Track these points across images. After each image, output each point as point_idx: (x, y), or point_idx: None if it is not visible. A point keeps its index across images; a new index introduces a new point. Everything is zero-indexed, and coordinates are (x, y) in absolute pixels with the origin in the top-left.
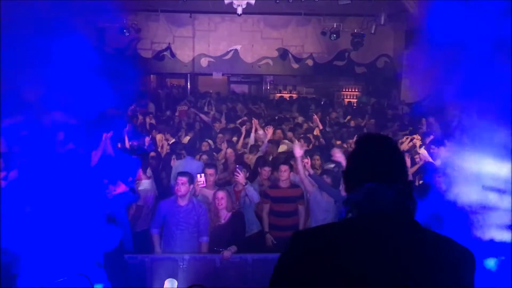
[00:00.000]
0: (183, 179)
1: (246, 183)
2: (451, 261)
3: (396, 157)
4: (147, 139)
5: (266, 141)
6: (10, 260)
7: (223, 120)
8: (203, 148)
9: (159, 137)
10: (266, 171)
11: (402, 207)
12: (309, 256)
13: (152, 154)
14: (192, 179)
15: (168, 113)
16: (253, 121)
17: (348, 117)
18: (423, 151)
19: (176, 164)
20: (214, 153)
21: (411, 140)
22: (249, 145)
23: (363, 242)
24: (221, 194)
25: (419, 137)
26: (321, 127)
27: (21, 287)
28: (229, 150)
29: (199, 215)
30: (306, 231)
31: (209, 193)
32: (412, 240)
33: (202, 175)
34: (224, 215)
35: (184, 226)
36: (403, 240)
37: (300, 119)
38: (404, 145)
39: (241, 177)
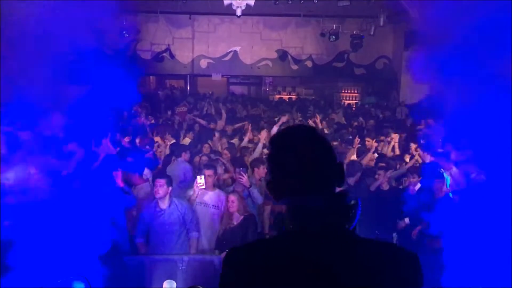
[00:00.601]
0: (161, 181)
1: (250, 186)
2: (392, 267)
3: (323, 157)
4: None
5: (260, 144)
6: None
7: (223, 122)
8: (204, 150)
9: (157, 138)
10: (259, 171)
11: (334, 218)
12: (242, 274)
13: (149, 155)
14: (170, 181)
15: (167, 114)
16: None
17: (342, 118)
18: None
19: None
20: (217, 155)
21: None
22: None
23: (294, 260)
24: (232, 197)
25: (396, 136)
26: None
27: (20, 287)
28: (225, 151)
29: (183, 214)
30: (238, 249)
31: (209, 194)
32: (347, 253)
33: (202, 177)
34: (237, 218)
35: (171, 228)
36: (336, 254)
37: (299, 121)
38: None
39: (245, 179)
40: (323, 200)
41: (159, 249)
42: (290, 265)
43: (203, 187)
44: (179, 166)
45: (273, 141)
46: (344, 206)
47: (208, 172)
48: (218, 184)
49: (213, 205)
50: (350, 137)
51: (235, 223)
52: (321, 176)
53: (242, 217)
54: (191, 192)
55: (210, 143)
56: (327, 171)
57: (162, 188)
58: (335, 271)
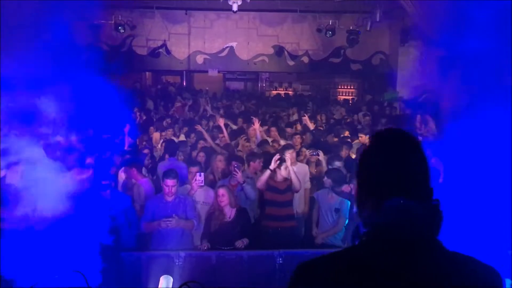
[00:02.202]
0: (172, 181)
1: (244, 181)
2: (475, 283)
3: (423, 162)
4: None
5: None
6: (8, 259)
7: (221, 118)
8: (199, 146)
9: (156, 135)
10: (255, 165)
11: (429, 228)
12: None
13: (146, 151)
14: (177, 176)
15: (163, 110)
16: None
17: (339, 111)
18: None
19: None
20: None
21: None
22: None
23: (381, 275)
24: (221, 191)
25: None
26: (311, 128)
27: (17, 286)
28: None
29: (185, 207)
30: (311, 263)
31: (198, 191)
32: (429, 265)
33: (202, 174)
34: (229, 212)
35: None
36: (429, 270)
37: (296, 116)
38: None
39: (239, 175)
40: (423, 207)
41: (161, 241)
42: (368, 279)
43: (202, 184)
44: (177, 165)
45: (374, 141)
46: (438, 214)
47: (195, 169)
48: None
49: (203, 202)
50: (347, 132)
51: (228, 218)
52: (417, 184)
53: (234, 210)
54: (186, 190)
55: (207, 138)
56: (423, 178)
57: (174, 188)
58: (416, 285)
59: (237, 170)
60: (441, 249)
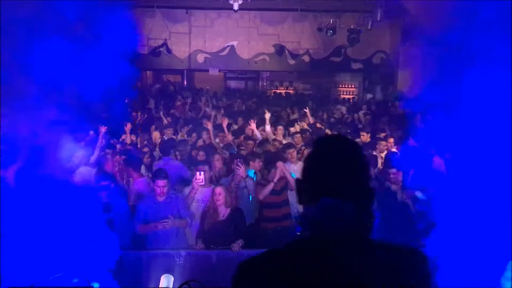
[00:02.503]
0: (163, 182)
1: (247, 177)
2: (404, 268)
3: (359, 165)
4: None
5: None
6: (8, 259)
7: (222, 117)
8: (198, 145)
9: (156, 134)
10: (254, 164)
11: (360, 225)
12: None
13: (146, 150)
14: (168, 176)
15: (163, 109)
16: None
17: (341, 110)
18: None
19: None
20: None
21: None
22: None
23: (315, 268)
24: (219, 189)
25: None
26: (311, 121)
27: (17, 286)
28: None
29: (178, 206)
30: (251, 261)
31: (204, 190)
32: (364, 258)
33: (202, 172)
34: (223, 212)
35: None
36: (359, 263)
37: (296, 116)
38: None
39: (241, 170)
40: (354, 206)
41: (155, 242)
42: (307, 273)
43: (203, 183)
44: (172, 165)
45: (316, 145)
46: (370, 213)
47: (203, 168)
48: (215, 178)
49: (204, 201)
50: (348, 131)
51: (222, 217)
52: (354, 186)
53: (228, 210)
54: (187, 190)
55: (203, 137)
56: (358, 180)
57: (165, 188)
58: (352, 277)
59: (239, 164)
60: (367, 242)
